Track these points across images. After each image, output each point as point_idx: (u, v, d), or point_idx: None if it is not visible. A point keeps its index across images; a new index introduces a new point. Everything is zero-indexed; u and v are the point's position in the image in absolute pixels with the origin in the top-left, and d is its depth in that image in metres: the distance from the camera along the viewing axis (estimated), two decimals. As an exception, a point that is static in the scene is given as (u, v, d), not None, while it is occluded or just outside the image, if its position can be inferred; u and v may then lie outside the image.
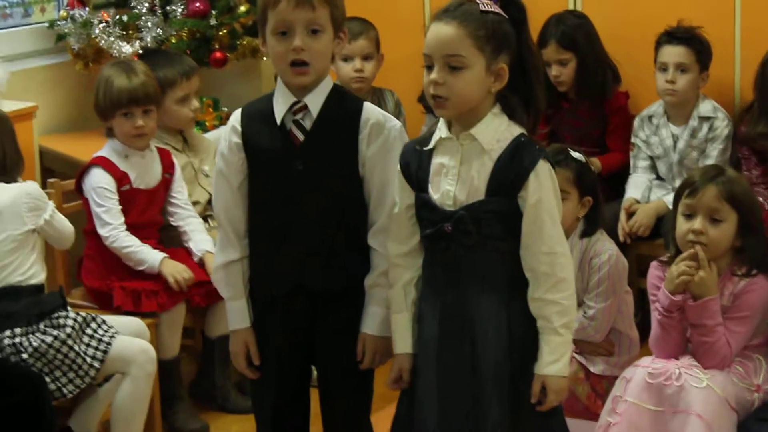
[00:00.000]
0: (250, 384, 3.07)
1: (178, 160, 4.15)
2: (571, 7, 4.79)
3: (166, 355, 3.90)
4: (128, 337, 3.61)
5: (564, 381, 2.72)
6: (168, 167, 4.06)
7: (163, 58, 4.25)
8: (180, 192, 4.09)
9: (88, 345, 3.53)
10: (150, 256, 3.89)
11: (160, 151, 4.06)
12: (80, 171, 3.96)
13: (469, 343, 2.71)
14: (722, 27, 4.53)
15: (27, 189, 3.67)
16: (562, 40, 4.59)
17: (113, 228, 3.86)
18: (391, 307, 2.85)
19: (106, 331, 3.57)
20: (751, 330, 3.30)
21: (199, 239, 4.04)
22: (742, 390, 3.24)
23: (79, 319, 3.54)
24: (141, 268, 3.88)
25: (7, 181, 3.67)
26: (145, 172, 3.99)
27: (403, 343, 2.83)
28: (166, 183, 4.05)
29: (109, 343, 3.54)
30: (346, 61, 4.49)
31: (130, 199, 3.93)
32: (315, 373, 3.06)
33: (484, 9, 2.65)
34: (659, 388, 3.20)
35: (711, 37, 4.42)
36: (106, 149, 3.98)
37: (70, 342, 3.49)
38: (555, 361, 2.69)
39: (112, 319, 3.67)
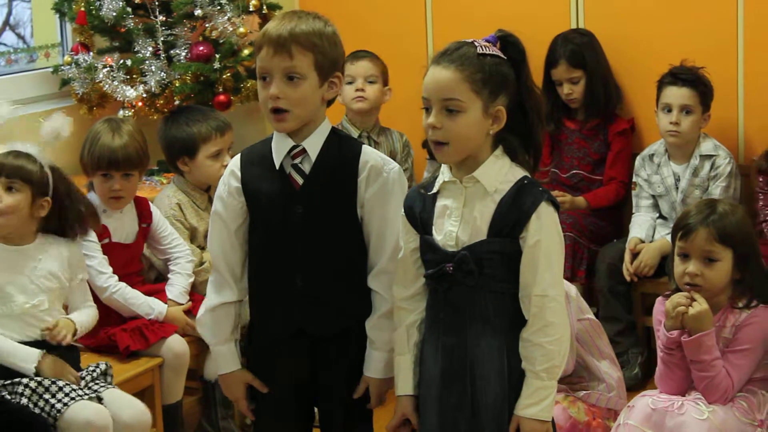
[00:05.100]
0: (253, 426, 3.07)
1: (199, 220, 4.16)
2: (574, 26, 4.80)
3: (169, 400, 3.87)
4: (85, 403, 3.39)
5: (540, 425, 2.68)
6: (145, 217, 4.01)
7: (197, 114, 4.23)
8: (163, 237, 4.04)
9: (41, 411, 3.36)
10: (156, 304, 3.89)
11: (137, 200, 4.00)
12: None
13: (470, 385, 2.70)
14: (725, 65, 4.54)
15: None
16: (572, 58, 4.63)
17: (110, 277, 3.83)
18: (395, 349, 2.85)
19: (60, 400, 3.38)
20: (754, 363, 3.31)
21: (173, 287, 4.01)
22: (745, 425, 3.25)
23: (34, 385, 3.37)
24: (150, 317, 3.85)
25: (64, 233, 3.59)
26: (123, 228, 3.95)
27: (405, 385, 2.82)
28: (143, 233, 4.01)
29: (59, 411, 3.35)
30: (350, 84, 4.58)
31: (109, 253, 3.86)
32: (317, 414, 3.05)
33: (482, 52, 2.66)
34: (661, 417, 3.22)
35: (713, 75, 4.42)
36: None
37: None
38: (532, 404, 2.67)
39: (113, 394, 3.52)
